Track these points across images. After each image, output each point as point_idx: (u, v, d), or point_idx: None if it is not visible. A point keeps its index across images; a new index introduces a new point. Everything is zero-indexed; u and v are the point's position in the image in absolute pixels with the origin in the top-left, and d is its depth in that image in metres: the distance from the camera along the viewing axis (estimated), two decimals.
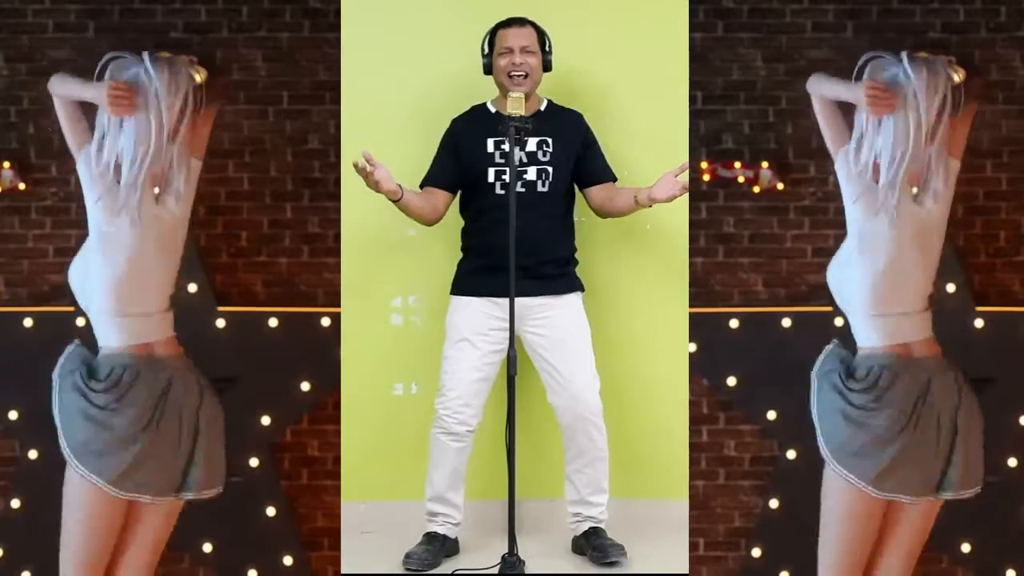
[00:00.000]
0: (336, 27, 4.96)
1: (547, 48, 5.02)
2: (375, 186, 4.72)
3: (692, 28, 4.96)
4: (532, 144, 5.00)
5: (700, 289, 4.96)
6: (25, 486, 4.87)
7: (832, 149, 4.13)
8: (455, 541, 5.12)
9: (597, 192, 5.06)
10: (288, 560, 4.92)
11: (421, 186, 5.05)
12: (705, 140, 4.96)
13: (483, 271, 4.96)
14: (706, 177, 4.93)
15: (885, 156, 4.01)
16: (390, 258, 5.33)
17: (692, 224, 4.97)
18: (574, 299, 5.06)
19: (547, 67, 5.03)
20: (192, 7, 4.93)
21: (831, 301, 4.80)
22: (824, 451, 4.06)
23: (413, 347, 5.41)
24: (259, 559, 4.91)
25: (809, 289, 4.92)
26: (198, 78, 4.09)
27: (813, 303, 4.89)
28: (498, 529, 4.81)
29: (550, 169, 5.00)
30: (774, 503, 4.92)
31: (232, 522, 4.84)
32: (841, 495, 4.08)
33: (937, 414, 4.03)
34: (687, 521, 4.99)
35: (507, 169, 4.75)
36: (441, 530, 5.06)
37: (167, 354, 4.07)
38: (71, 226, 4.84)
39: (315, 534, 4.95)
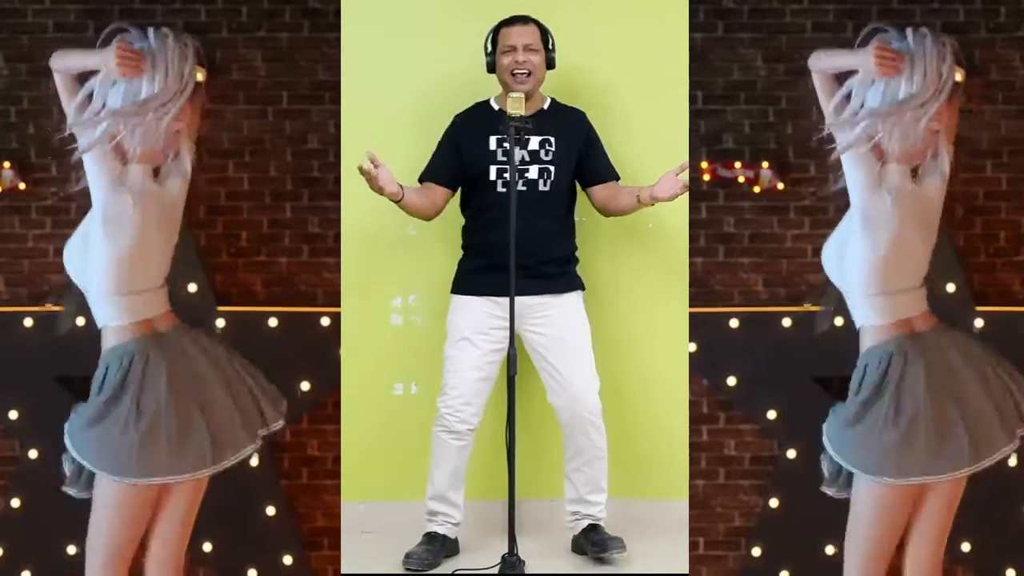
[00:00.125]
0: (336, 27, 4.96)
1: (550, 46, 5.02)
2: (379, 190, 4.72)
3: (692, 28, 4.96)
4: (535, 143, 5.00)
5: (700, 289, 4.96)
6: (25, 485, 4.88)
7: (830, 120, 4.15)
8: (455, 541, 5.12)
9: (600, 191, 5.06)
10: (288, 560, 4.92)
11: (420, 180, 5.05)
12: (705, 140, 4.96)
13: (483, 270, 4.96)
14: (706, 177, 4.94)
15: (879, 122, 4.02)
16: (390, 258, 5.33)
17: (692, 224, 4.97)
18: (574, 298, 5.06)
19: (550, 65, 5.03)
20: (192, 7, 4.93)
21: (830, 300, 4.83)
22: (850, 470, 4.10)
23: (413, 347, 5.41)
24: (259, 558, 4.91)
25: (809, 289, 4.91)
26: (200, 76, 4.14)
27: (813, 302, 4.89)
28: (498, 529, 4.81)
29: (552, 168, 5.00)
30: (774, 502, 4.93)
31: (232, 522, 4.84)
32: (870, 493, 4.10)
33: (946, 386, 4.05)
34: (687, 521, 4.99)
35: (509, 167, 4.75)
36: (441, 530, 5.06)
37: (167, 327, 4.08)
38: (71, 226, 4.78)
39: (315, 534, 4.95)
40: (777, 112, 4.95)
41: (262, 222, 4.96)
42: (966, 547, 4.86)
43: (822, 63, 4.16)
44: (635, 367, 5.39)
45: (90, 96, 3.99)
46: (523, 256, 4.70)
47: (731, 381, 4.93)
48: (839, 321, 4.80)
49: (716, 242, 4.96)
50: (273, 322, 4.91)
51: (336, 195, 4.95)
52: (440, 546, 5.03)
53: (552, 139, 5.01)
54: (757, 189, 4.92)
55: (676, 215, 5.04)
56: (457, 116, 5.09)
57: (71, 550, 4.84)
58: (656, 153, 5.21)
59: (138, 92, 3.98)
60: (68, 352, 4.77)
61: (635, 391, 5.39)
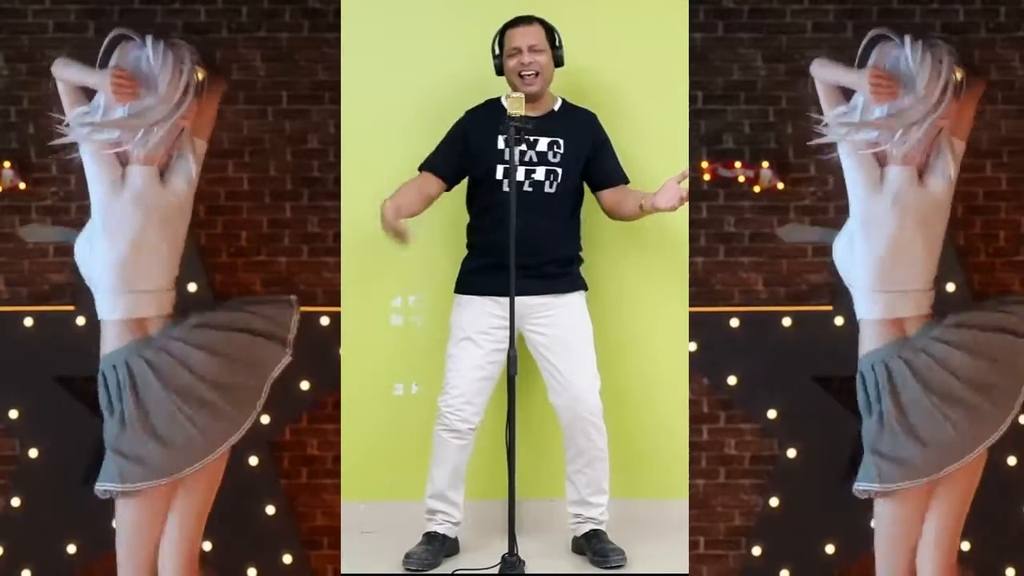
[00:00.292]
0: (335, 27, 4.96)
1: (557, 43, 5.01)
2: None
3: (692, 28, 4.96)
4: (543, 144, 4.99)
5: (700, 288, 4.96)
6: (25, 485, 4.87)
7: (828, 117, 4.29)
8: (455, 541, 5.11)
9: (608, 195, 5.05)
10: (288, 559, 4.91)
11: (420, 169, 5.03)
12: (706, 140, 4.96)
13: (486, 270, 4.96)
14: (707, 177, 4.93)
15: (885, 135, 4.09)
16: (390, 257, 5.32)
17: (692, 223, 4.97)
18: (576, 299, 5.05)
19: (558, 62, 5.01)
20: (192, 7, 4.93)
21: (831, 300, 4.84)
22: (877, 487, 4.25)
23: (413, 347, 5.41)
24: (259, 557, 4.91)
25: (809, 288, 4.91)
26: (199, 74, 4.18)
27: (813, 302, 4.89)
28: (498, 529, 4.81)
29: (559, 171, 4.99)
30: (774, 501, 4.92)
31: (231, 521, 4.84)
32: (887, 508, 4.27)
33: (935, 379, 4.12)
34: (687, 521, 4.99)
35: (509, 166, 4.74)
36: (441, 529, 5.05)
37: (159, 331, 4.16)
38: (71, 225, 4.83)
39: (314, 533, 4.94)
40: (777, 112, 4.94)
41: (262, 222, 4.95)
42: (966, 546, 4.85)
43: (824, 74, 4.22)
44: (635, 366, 5.39)
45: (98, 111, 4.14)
46: (525, 256, 4.70)
47: (731, 380, 4.93)
48: (839, 321, 4.82)
49: (716, 242, 4.96)
50: None
51: (336, 195, 4.95)
52: (440, 546, 5.03)
53: (561, 141, 5.00)
54: (757, 189, 4.92)
55: (677, 215, 5.02)
56: (468, 111, 5.08)
57: (71, 550, 4.84)
58: (656, 152, 5.22)
59: (138, 104, 4.05)
60: (68, 352, 4.78)
61: (635, 390, 5.39)
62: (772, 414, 4.91)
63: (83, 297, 4.74)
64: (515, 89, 4.95)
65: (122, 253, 4.20)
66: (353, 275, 5.18)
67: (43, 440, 4.84)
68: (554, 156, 5.00)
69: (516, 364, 4.65)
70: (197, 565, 4.43)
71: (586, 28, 5.28)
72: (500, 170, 4.96)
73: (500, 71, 5.03)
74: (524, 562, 4.67)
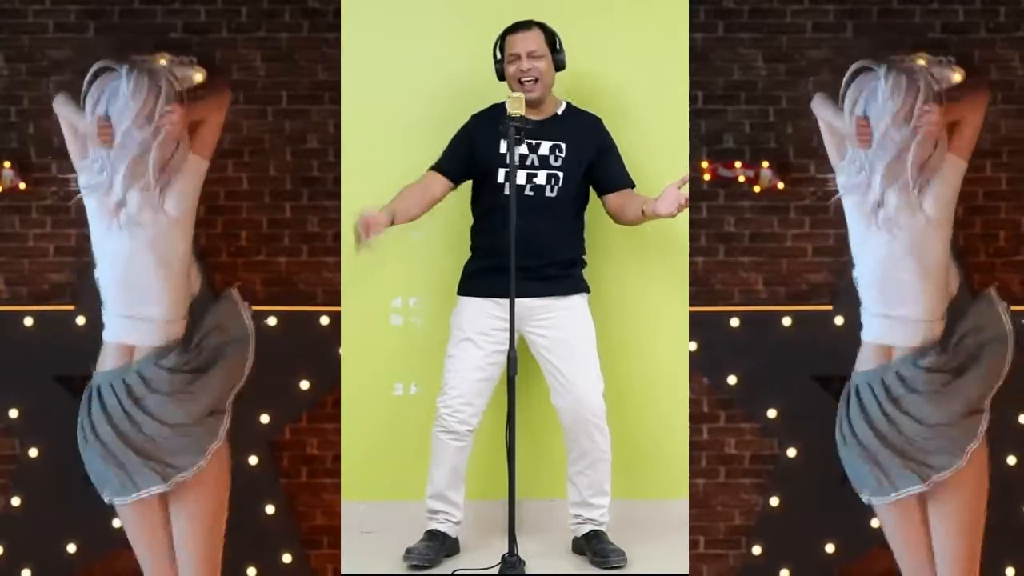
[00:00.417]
0: (335, 27, 4.96)
1: (557, 48, 5.01)
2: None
3: (693, 28, 4.95)
4: (545, 148, 4.99)
5: (701, 288, 4.96)
6: (25, 484, 4.87)
7: (834, 164, 4.36)
8: (455, 540, 5.11)
9: (613, 200, 5.05)
10: (287, 558, 4.91)
11: (430, 169, 5.04)
12: (706, 140, 4.95)
13: (487, 272, 4.96)
14: (707, 176, 4.93)
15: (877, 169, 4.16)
16: (390, 258, 5.33)
17: (693, 223, 4.96)
18: (578, 301, 5.06)
19: (559, 67, 5.02)
20: (192, 7, 4.93)
21: (831, 300, 4.84)
22: (880, 497, 4.30)
23: (413, 347, 5.41)
24: (258, 557, 4.91)
25: (809, 288, 4.91)
26: (199, 77, 4.20)
27: (813, 302, 4.89)
28: (498, 529, 4.81)
29: (560, 175, 4.99)
30: (774, 501, 4.92)
31: (231, 520, 4.82)
32: (891, 519, 4.33)
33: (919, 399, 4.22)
34: (687, 520, 4.99)
35: (510, 167, 4.74)
36: (442, 528, 5.06)
37: (138, 361, 4.27)
38: (71, 225, 4.84)
39: (314, 532, 4.94)
40: (777, 112, 4.94)
41: (262, 221, 4.95)
42: None
43: (822, 114, 4.32)
44: (635, 366, 5.39)
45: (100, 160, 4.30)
46: (526, 258, 4.71)
47: (731, 380, 4.93)
48: (839, 320, 4.82)
49: (716, 241, 4.95)
50: (272, 321, 4.90)
51: (336, 195, 4.95)
52: (441, 544, 5.03)
53: (563, 144, 5.01)
54: (757, 189, 4.92)
55: (677, 215, 5.04)
56: (473, 116, 5.09)
57: (71, 549, 4.84)
58: (656, 153, 5.21)
59: (122, 143, 4.22)
60: (68, 352, 4.78)
61: (635, 390, 5.39)
62: (772, 414, 4.91)
63: (83, 297, 4.75)
64: None
65: (113, 275, 4.31)
66: (353, 275, 5.18)
67: (43, 440, 4.83)
68: (556, 160, 5.00)
69: (516, 365, 4.65)
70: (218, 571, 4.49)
71: (586, 29, 5.28)
72: (501, 173, 4.97)
73: (501, 76, 5.04)
74: (524, 562, 4.67)
